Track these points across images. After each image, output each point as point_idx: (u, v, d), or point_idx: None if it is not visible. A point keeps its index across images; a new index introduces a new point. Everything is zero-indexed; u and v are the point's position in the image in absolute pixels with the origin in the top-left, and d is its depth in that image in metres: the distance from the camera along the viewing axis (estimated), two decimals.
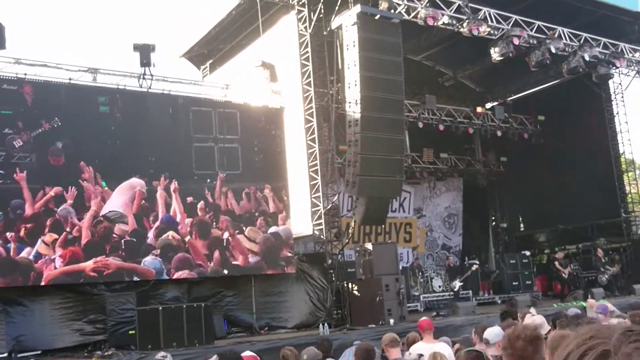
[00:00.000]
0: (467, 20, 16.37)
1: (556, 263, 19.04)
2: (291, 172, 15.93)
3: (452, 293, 18.29)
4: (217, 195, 14.48)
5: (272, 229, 15.10)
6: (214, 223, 14.32)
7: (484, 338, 5.86)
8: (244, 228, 14.70)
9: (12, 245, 11.93)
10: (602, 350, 1.11)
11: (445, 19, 16.14)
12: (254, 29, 18.21)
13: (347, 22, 14.97)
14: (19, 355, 11.57)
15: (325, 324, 13.74)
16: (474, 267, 18.73)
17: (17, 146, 12.23)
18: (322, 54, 16.35)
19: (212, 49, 20.58)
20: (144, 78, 14.33)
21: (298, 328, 14.78)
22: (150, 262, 13.28)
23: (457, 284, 18.08)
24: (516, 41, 17.02)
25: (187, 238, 13.84)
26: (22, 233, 12.03)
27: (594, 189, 20.80)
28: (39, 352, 11.85)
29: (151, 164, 13.82)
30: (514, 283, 19.76)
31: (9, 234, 11.93)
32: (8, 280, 11.86)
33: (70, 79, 13.45)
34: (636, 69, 20.58)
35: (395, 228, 21.85)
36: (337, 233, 16.23)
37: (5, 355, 11.58)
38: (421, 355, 5.70)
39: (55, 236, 12.32)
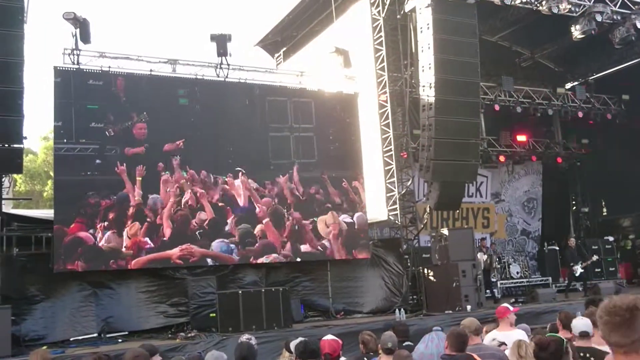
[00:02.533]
0: None
1: None
2: (365, 157, 15.94)
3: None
4: (293, 184, 14.68)
5: (348, 216, 15.18)
6: (288, 211, 14.54)
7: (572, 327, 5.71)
8: (320, 215, 14.86)
9: (107, 234, 12.56)
10: None
11: None
12: (327, 15, 18.26)
13: (420, 4, 14.75)
14: (107, 336, 12.19)
15: (402, 309, 13.75)
16: (594, 258, 17.68)
17: (101, 141, 12.82)
18: (395, 38, 16.21)
19: (286, 37, 20.76)
20: (221, 67, 14.65)
21: (374, 313, 14.86)
22: (217, 245, 13.69)
23: (578, 268, 16.88)
24: (599, 18, 16.30)
25: (266, 220, 14.14)
26: (111, 222, 12.66)
27: None
28: (126, 332, 12.45)
29: (229, 153, 14.16)
30: (596, 270, 19.07)
31: (99, 224, 12.56)
32: (99, 265, 12.51)
33: (151, 71, 13.92)
34: None
35: (473, 213, 21.46)
36: (412, 218, 16.16)
37: (96, 335, 12.23)
38: (503, 343, 5.62)
39: (138, 225, 12.87)
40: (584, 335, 5.45)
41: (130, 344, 10.47)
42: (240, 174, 14.10)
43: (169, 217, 13.20)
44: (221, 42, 14.47)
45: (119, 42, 46.40)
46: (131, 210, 12.88)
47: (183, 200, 13.41)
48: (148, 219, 13.00)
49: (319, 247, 14.73)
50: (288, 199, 14.59)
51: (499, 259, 18.99)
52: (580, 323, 5.53)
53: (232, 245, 13.79)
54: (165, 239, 13.08)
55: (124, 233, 12.72)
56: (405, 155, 16.19)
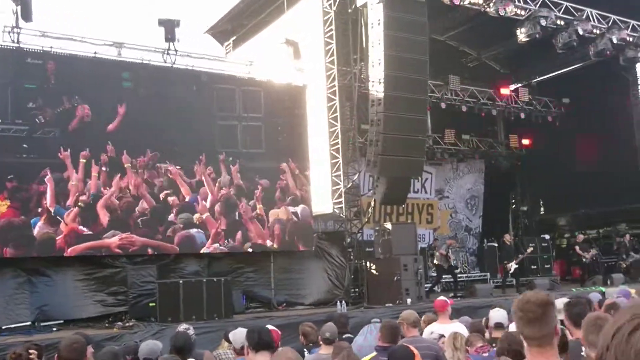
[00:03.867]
0: (494, 0, 16.12)
1: (577, 247, 18.86)
2: (312, 150, 15.94)
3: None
4: (240, 174, 14.54)
5: (293, 208, 15.16)
6: (237, 202, 14.42)
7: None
8: (266, 207, 14.78)
9: (42, 219, 12.14)
10: None
11: None
12: (278, 6, 18.14)
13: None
14: (42, 324, 11.83)
15: (343, 302, 13.84)
16: (530, 249, 18.12)
17: (39, 122, 12.35)
18: (346, 32, 16.23)
19: (236, 26, 20.52)
20: (168, 53, 14.37)
21: (316, 305, 14.90)
22: (197, 235, 13.70)
23: (512, 265, 17.23)
24: (543, 22, 16.75)
25: (205, 215, 13.96)
26: (47, 207, 12.22)
27: (618, 174, 20.48)
28: (62, 321, 12.11)
29: (174, 141, 13.86)
30: (532, 267, 19.63)
31: (33, 209, 12.13)
32: (31, 252, 12.10)
33: (95, 53, 13.53)
34: None
35: (418, 209, 21.80)
36: (357, 212, 16.27)
37: (29, 323, 11.85)
38: (442, 335, 5.73)
39: (76, 211, 12.49)
40: (499, 326, 5.66)
41: (65, 332, 10.16)
42: (185, 161, 13.86)
43: (108, 204, 12.86)
44: (169, 27, 14.20)
45: (62, 23, 44.88)
46: (69, 195, 12.46)
47: (124, 188, 13.08)
48: (87, 205, 12.62)
49: (263, 238, 14.65)
50: (234, 188, 14.45)
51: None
52: (497, 315, 5.72)
53: (203, 234, 13.77)
54: (104, 226, 12.73)
55: (61, 219, 12.32)
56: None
